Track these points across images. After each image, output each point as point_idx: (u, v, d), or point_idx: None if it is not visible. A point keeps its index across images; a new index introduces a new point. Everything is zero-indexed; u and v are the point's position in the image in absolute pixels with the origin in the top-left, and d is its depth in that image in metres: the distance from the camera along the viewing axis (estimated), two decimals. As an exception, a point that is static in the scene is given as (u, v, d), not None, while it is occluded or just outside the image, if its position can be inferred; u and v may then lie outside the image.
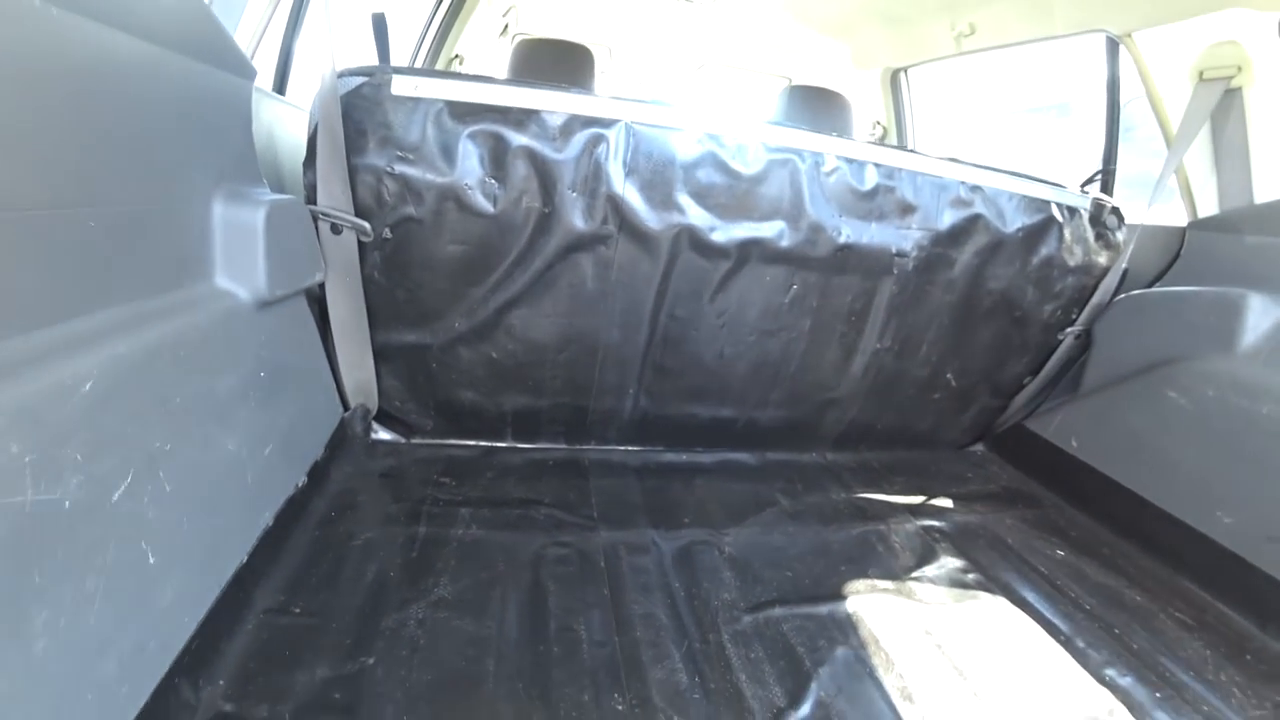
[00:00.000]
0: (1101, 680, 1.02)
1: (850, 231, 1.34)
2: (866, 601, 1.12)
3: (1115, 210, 1.54)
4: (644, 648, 0.95)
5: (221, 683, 0.80)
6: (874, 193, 1.33)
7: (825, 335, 1.46)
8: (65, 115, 0.65)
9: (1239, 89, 1.38)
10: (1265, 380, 1.25)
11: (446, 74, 1.17)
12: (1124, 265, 1.55)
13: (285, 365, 1.08)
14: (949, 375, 1.62)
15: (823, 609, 1.08)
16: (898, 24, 2.23)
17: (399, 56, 2.23)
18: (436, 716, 0.80)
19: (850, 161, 1.30)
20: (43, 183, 0.63)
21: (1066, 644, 1.10)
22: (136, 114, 0.76)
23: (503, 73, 1.84)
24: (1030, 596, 1.21)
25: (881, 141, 2.60)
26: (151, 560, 0.72)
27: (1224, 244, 1.44)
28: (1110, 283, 1.56)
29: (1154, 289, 1.52)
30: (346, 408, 1.34)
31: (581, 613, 1.00)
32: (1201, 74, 1.40)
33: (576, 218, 1.22)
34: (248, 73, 0.97)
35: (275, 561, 0.98)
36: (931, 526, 1.39)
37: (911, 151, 1.38)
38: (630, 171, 1.21)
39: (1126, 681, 1.03)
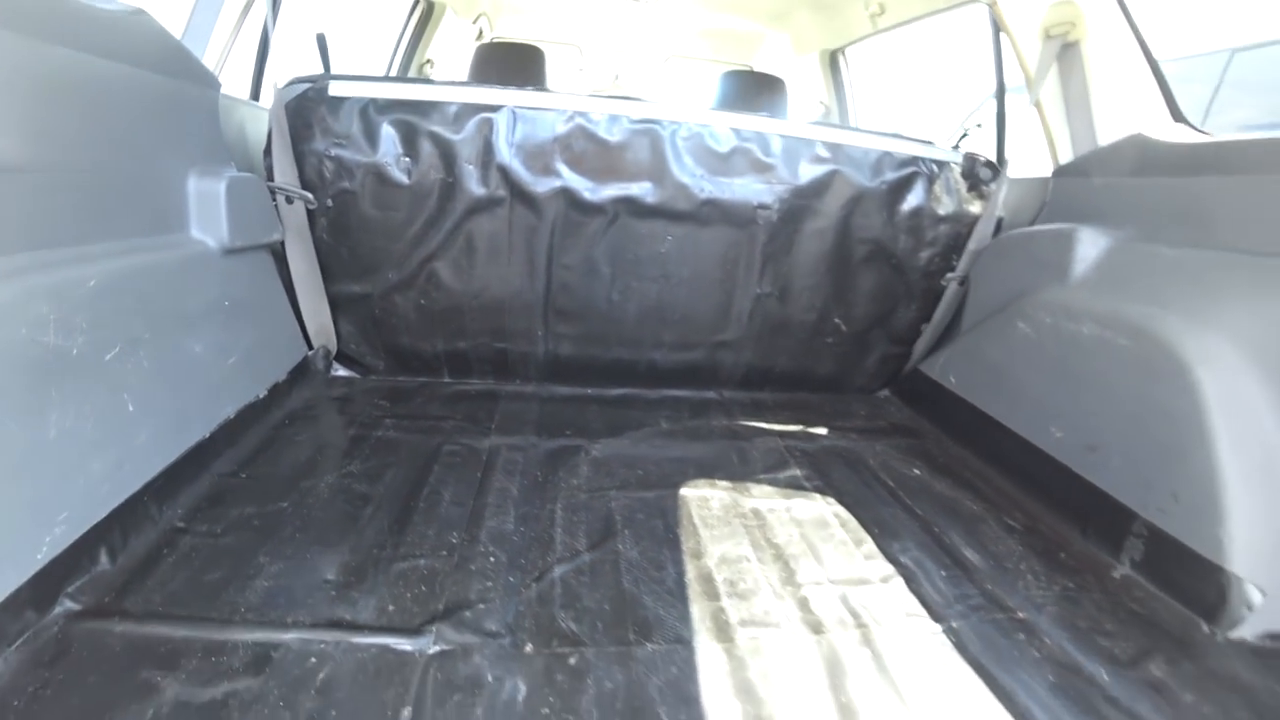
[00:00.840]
0: (893, 558, 1.25)
1: (712, 188, 1.63)
2: (698, 493, 1.41)
3: (989, 164, 1.74)
4: (490, 509, 1.28)
5: (179, 510, 1.20)
6: (730, 154, 1.62)
7: (705, 281, 1.76)
8: (82, 116, 1.07)
9: (1077, 42, 1.56)
10: (1088, 304, 1.44)
11: (370, 78, 1.58)
12: (998, 213, 1.75)
13: (248, 301, 1.50)
14: (837, 320, 1.86)
15: (652, 494, 1.38)
16: (825, 9, 2.48)
17: (379, 62, 2.70)
18: (320, 535, 1.16)
19: (707, 127, 1.61)
20: (66, 158, 1.06)
21: (878, 535, 1.32)
22: (131, 116, 1.19)
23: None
24: (864, 501, 1.44)
25: (825, 118, 2.83)
26: (130, 409, 1.13)
27: (1077, 187, 1.62)
28: (985, 229, 1.76)
29: (1013, 231, 1.71)
30: (311, 348, 1.77)
31: (451, 484, 1.35)
32: (1047, 31, 1.60)
33: (474, 185, 1.58)
34: (214, 84, 1.40)
35: (232, 444, 1.39)
36: (795, 447, 1.64)
37: (766, 116, 1.66)
38: (515, 146, 1.57)
39: (917, 559, 1.25)
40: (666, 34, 3.01)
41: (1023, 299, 1.59)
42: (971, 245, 1.78)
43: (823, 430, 1.76)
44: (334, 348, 1.81)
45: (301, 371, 1.70)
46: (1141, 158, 1.47)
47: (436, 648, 0.91)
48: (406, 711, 0.81)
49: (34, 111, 0.98)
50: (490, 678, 0.87)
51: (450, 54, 2.81)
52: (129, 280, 1.14)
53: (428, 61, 2.73)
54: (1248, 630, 1.07)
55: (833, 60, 2.73)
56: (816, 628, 1.05)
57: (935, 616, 1.10)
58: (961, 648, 1.03)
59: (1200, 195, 1.36)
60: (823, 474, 1.53)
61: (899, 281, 1.83)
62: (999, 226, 1.76)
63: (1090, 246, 1.48)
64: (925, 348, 1.95)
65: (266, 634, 0.92)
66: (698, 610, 1.06)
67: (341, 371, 1.85)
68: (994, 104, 1.86)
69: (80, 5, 1.05)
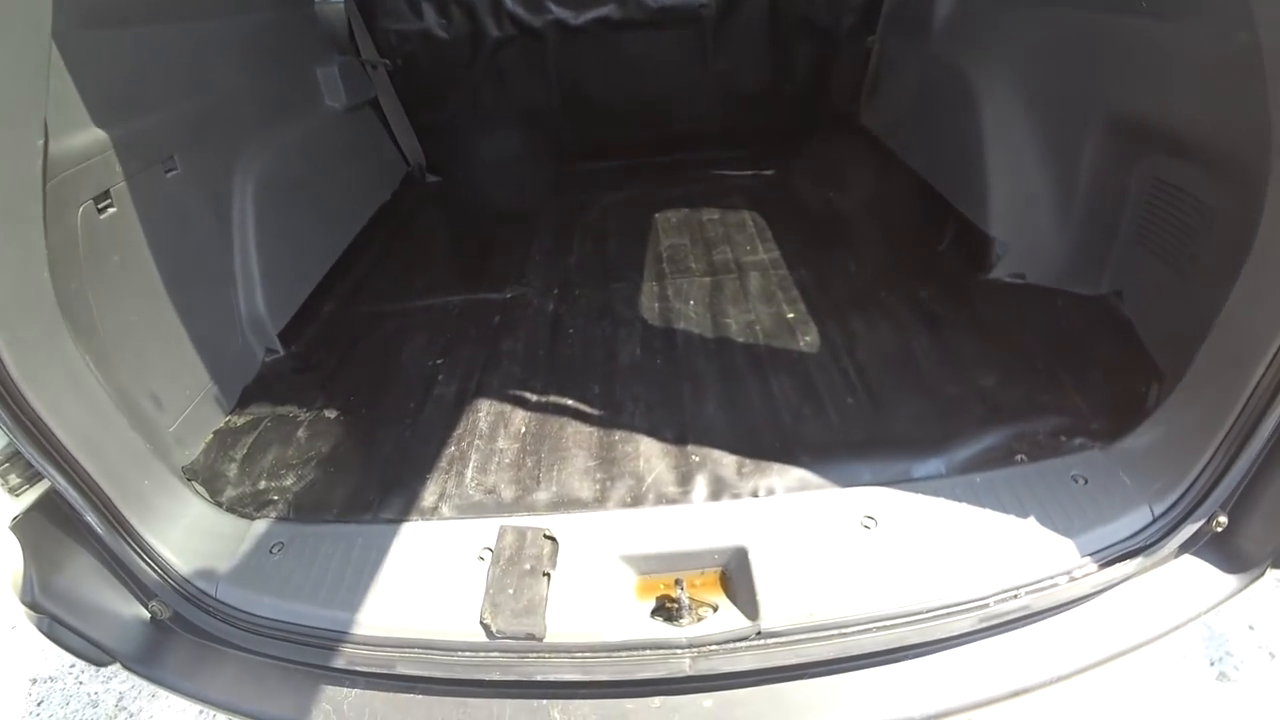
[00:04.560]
0: (779, 241, 2.13)
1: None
2: (664, 214, 2.39)
3: None
4: (536, 236, 2.31)
5: (366, 257, 2.33)
6: None
7: (672, 70, 2.57)
8: (260, 54, 2.07)
9: None
10: (937, 51, 2.08)
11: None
12: None
13: (366, 141, 2.55)
14: (784, 85, 2.58)
15: (635, 218, 2.35)
16: None
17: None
18: (443, 254, 2.27)
19: None
20: (264, 82, 2.07)
21: (777, 230, 2.20)
22: (276, 39, 2.17)
23: None
24: (777, 212, 2.31)
25: None
26: (329, 205, 2.24)
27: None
28: None
29: None
30: (409, 165, 2.83)
31: (511, 227, 2.39)
32: None
33: (492, 29, 2.45)
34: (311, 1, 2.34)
35: (381, 227, 2.50)
36: (743, 184, 2.56)
37: None
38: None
39: (795, 243, 2.11)
40: None
41: (906, 54, 2.22)
42: (885, 10, 2.36)
43: (770, 171, 2.60)
44: (424, 163, 2.86)
45: (408, 181, 2.78)
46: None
47: (509, 295, 2.00)
48: (497, 319, 1.90)
49: (248, 59, 1.97)
50: (535, 302, 1.95)
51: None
52: (308, 136, 2.20)
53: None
54: (998, 272, 1.81)
55: None
56: (712, 272, 2.01)
57: (789, 265, 2.00)
58: (800, 282, 1.92)
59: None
60: (755, 197, 2.42)
61: (829, 48, 2.49)
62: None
63: (944, 5, 2.06)
64: (863, 100, 2.61)
65: (428, 300, 2.04)
66: (648, 270, 2.06)
67: (433, 178, 2.91)
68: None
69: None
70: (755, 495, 1.25)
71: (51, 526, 1.16)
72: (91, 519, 1.11)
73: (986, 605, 1.05)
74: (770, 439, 1.36)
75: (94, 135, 1.35)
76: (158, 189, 1.51)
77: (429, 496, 1.32)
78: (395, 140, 2.73)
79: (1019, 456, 1.26)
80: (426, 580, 1.17)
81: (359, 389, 1.69)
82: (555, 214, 2.46)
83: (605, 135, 2.78)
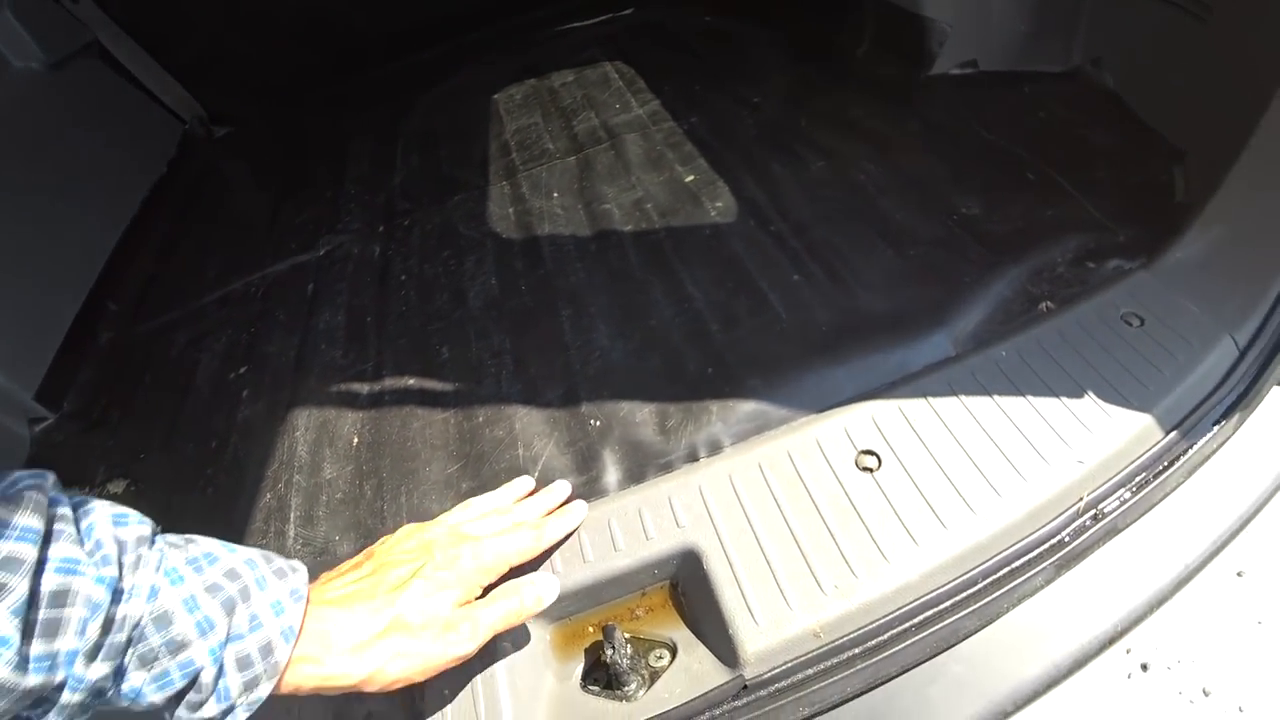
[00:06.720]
0: (658, 90, 1.62)
1: None
2: (505, 93, 1.81)
3: None
4: (350, 163, 1.74)
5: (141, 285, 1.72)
6: None
7: None
8: None
9: None
10: None
11: None
12: None
13: (97, 105, 1.85)
14: None
15: (463, 106, 1.79)
16: None
17: None
18: (253, 207, 1.70)
19: None
20: None
21: (651, 79, 1.67)
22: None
23: None
24: (649, 56, 1.76)
25: None
26: (42, 218, 1.62)
27: None
28: None
29: None
30: (185, 121, 2.15)
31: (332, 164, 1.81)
32: None
33: None
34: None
35: (159, 211, 1.84)
36: (600, 32, 1.99)
37: None
38: None
39: (678, 88, 1.60)
40: None
41: None
42: None
43: (629, 10, 2.05)
44: (204, 114, 2.18)
45: (189, 143, 2.11)
46: None
47: (323, 250, 1.46)
48: (310, 287, 1.37)
49: None
50: (356, 250, 1.42)
51: None
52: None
53: None
54: (943, 65, 1.36)
55: None
56: (576, 149, 1.49)
57: (674, 115, 1.50)
58: (693, 133, 1.43)
59: None
60: (615, 45, 1.85)
61: None
62: None
63: None
64: None
65: (224, 289, 1.47)
66: (494, 167, 1.54)
67: (222, 130, 2.22)
68: None
69: None
70: (695, 459, 0.81)
71: None
72: None
73: (1063, 544, 0.68)
74: (698, 363, 0.91)
75: None
76: None
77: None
78: (149, 92, 2.05)
79: (1044, 305, 0.89)
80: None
81: (149, 441, 1.19)
82: (369, 132, 1.87)
83: (415, 8, 2.12)
